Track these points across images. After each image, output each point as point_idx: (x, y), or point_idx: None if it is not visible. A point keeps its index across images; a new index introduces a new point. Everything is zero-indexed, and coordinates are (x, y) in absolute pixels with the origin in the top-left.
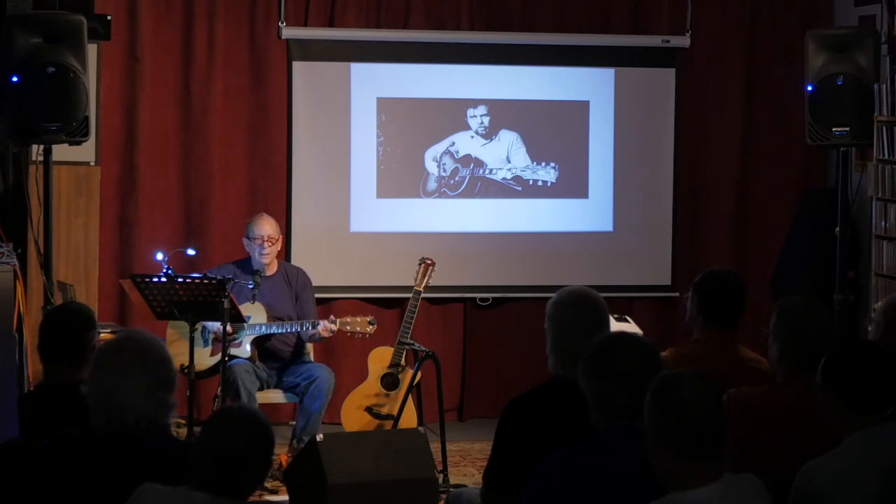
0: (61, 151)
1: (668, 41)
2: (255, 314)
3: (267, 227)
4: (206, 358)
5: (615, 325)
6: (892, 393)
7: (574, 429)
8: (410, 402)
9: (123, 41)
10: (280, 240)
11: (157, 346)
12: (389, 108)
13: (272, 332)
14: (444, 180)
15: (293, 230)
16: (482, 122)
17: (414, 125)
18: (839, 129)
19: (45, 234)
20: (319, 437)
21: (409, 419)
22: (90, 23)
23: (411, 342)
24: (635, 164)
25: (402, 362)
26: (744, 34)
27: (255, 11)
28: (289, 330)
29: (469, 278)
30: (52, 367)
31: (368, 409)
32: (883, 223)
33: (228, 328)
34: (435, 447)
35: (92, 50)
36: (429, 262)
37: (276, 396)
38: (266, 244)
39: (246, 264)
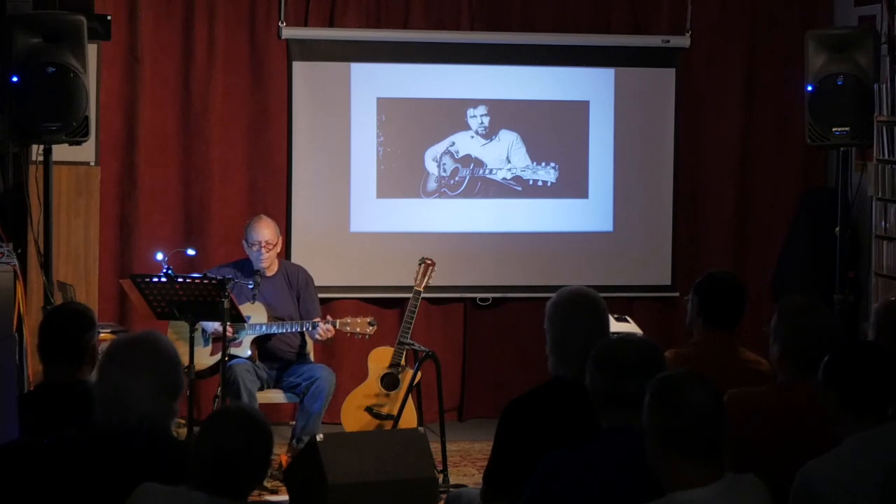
0: (61, 151)
1: (668, 41)
2: (256, 314)
3: (265, 231)
4: (206, 358)
5: (615, 325)
6: (892, 393)
7: (574, 429)
8: (410, 402)
9: (123, 41)
10: (279, 242)
11: (170, 352)
12: (389, 108)
13: (272, 331)
14: (444, 180)
15: (293, 230)
16: (482, 122)
17: (414, 125)
18: (839, 129)
19: (45, 234)
20: (319, 437)
21: (409, 419)
22: (90, 23)
23: (411, 342)
24: (635, 164)
25: (402, 362)
26: (744, 34)
27: (255, 11)
28: (288, 330)
29: (469, 278)
30: (52, 367)
31: (368, 409)
32: (883, 223)
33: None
34: (435, 447)
35: (92, 50)
36: (429, 262)
37: (276, 396)
38: (264, 250)
39: (245, 265)
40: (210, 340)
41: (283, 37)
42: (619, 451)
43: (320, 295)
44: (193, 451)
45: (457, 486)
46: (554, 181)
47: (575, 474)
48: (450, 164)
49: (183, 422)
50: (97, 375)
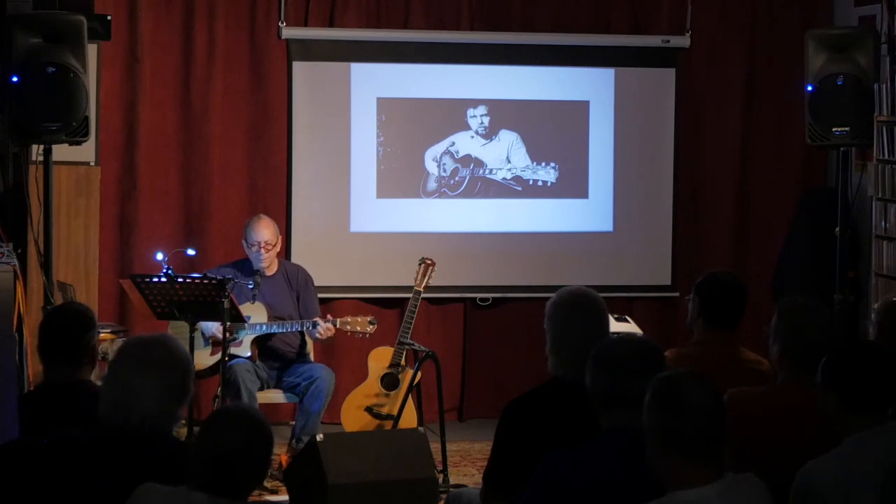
0: (61, 151)
1: (668, 41)
2: (256, 314)
3: (265, 232)
4: (206, 358)
5: (615, 325)
6: (891, 393)
7: (574, 429)
8: (410, 402)
9: (123, 41)
10: (279, 242)
11: (183, 357)
12: (389, 108)
13: (272, 331)
14: (444, 180)
15: (293, 230)
16: (482, 122)
17: (414, 125)
18: (839, 129)
19: (45, 234)
20: (319, 437)
21: (409, 419)
22: (90, 23)
23: (411, 342)
24: (635, 164)
25: (402, 362)
26: (744, 34)
27: (255, 11)
28: (288, 329)
29: (469, 278)
30: (52, 367)
31: (368, 409)
32: (883, 223)
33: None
34: (435, 447)
35: (92, 50)
36: (429, 262)
37: (276, 396)
38: (263, 250)
39: (245, 265)
40: (209, 344)
41: (283, 37)
42: (620, 451)
43: (320, 295)
44: (193, 451)
45: (457, 486)
46: (554, 181)
47: (575, 474)
48: (450, 164)
49: (183, 422)
50: (107, 371)
